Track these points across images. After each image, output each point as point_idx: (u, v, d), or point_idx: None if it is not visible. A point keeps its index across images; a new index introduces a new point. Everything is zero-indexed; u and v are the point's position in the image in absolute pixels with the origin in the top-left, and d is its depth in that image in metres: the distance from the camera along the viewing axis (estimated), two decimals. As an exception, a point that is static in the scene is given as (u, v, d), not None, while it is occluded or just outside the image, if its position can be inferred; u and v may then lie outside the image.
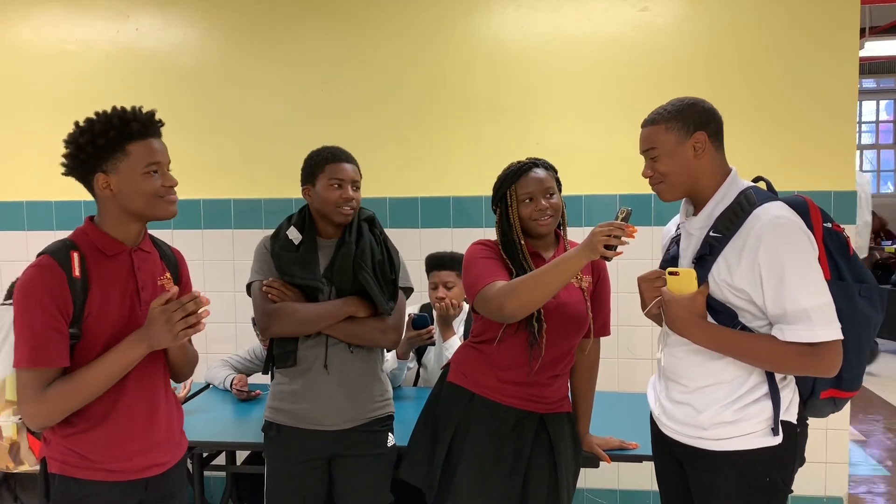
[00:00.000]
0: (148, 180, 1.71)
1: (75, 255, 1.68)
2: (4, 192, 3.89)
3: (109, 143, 1.68)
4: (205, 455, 2.93)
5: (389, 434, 2.37)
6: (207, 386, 3.40)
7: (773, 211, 1.74)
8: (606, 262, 2.10)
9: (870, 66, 10.57)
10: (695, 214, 1.89)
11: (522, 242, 2.18)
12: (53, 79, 3.85)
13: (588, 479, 3.50)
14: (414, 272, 3.38)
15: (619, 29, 3.53)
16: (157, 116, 1.78)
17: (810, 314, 1.67)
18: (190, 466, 2.94)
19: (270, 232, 2.40)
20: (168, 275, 1.89)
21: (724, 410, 1.80)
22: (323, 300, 2.26)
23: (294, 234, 2.29)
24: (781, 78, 3.43)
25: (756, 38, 3.44)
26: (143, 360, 1.74)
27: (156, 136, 1.77)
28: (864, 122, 12.17)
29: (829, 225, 1.78)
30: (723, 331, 1.79)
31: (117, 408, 1.74)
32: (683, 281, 1.80)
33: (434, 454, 2.23)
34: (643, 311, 1.99)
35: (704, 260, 1.81)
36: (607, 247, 1.84)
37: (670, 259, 1.98)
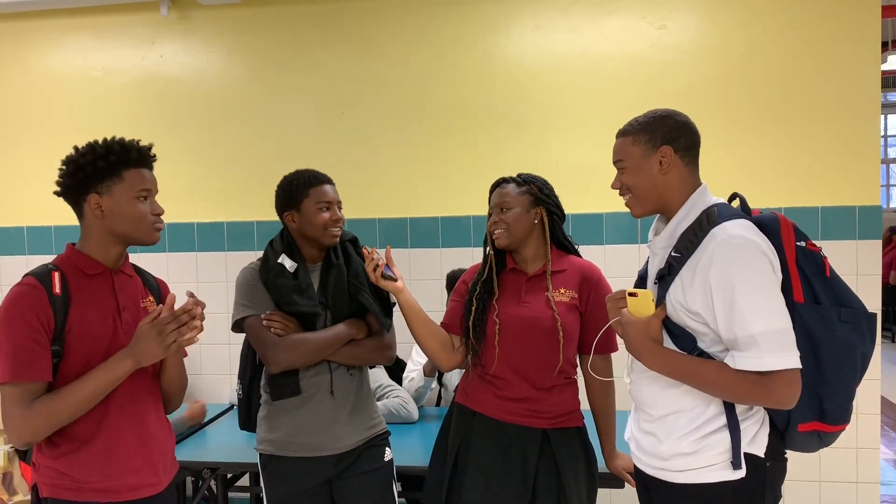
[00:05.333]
0: (138, 205, 1.79)
1: (56, 275, 1.73)
2: (34, 218, 3.97)
3: (109, 166, 1.76)
4: (229, 476, 2.94)
5: (386, 448, 2.36)
6: (231, 407, 3.42)
7: (730, 230, 1.64)
8: (603, 275, 2.28)
9: (894, 80, 10.48)
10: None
11: (488, 251, 2.30)
12: (78, 105, 3.94)
13: (614, 500, 3.47)
14: (435, 291, 3.40)
15: (638, 47, 3.53)
16: (153, 152, 1.86)
17: (759, 340, 1.56)
18: (214, 487, 2.96)
19: None
20: (151, 298, 1.93)
21: (682, 440, 1.72)
22: (320, 326, 2.23)
23: (288, 262, 2.24)
24: (802, 93, 3.41)
25: (775, 53, 3.43)
26: (127, 383, 1.74)
27: (149, 167, 1.85)
28: (891, 136, 12.05)
29: (803, 244, 1.67)
30: (676, 356, 1.70)
31: (102, 427, 1.75)
32: (641, 303, 1.73)
33: (443, 474, 2.25)
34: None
35: (665, 280, 1.74)
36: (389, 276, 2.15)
37: (639, 279, 1.92)
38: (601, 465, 2.34)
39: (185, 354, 2.01)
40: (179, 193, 3.89)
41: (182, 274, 3.83)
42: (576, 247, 2.34)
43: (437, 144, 3.70)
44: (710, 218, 1.69)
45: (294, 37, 3.79)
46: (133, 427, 1.80)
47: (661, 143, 1.76)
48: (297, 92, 3.81)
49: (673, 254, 1.73)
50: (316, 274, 2.29)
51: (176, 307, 1.72)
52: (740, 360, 1.59)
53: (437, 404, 3.37)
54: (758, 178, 3.38)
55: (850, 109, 3.37)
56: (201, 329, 1.74)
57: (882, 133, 11.54)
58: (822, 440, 1.74)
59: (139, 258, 3.82)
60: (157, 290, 1.99)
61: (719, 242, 1.63)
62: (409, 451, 2.73)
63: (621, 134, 1.84)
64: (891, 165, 11.95)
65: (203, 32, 3.87)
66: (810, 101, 3.40)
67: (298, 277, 2.23)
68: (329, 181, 2.30)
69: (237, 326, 2.26)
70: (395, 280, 2.16)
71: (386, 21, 3.72)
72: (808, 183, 3.41)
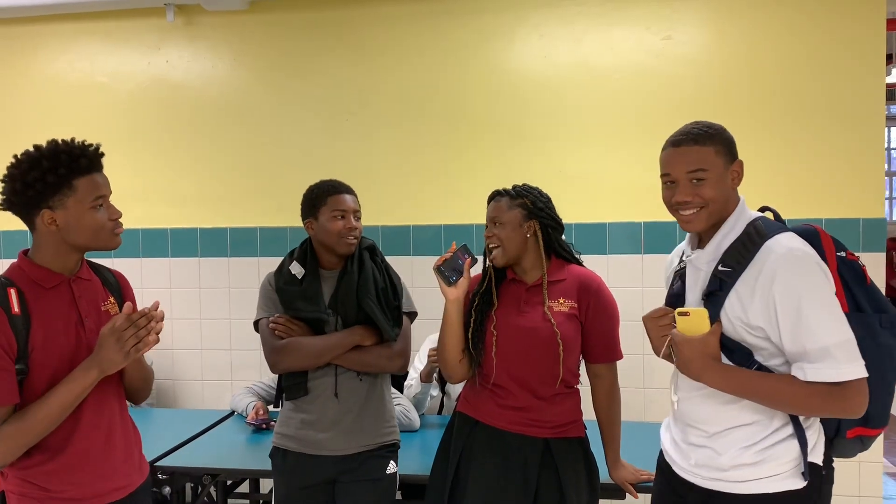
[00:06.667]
0: (94, 214, 1.72)
1: (13, 292, 1.66)
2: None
3: (58, 179, 1.68)
4: (229, 483, 2.93)
5: (391, 461, 2.37)
6: (232, 413, 3.41)
7: (787, 243, 1.65)
8: (603, 283, 2.25)
9: (898, 92, 10.47)
10: (700, 247, 1.80)
11: (488, 264, 2.29)
12: (85, 109, 3.96)
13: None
14: (438, 299, 3.39)
15: (642, 58, 3.54)
16: (101, 150, 1.78)
17: (832, 352, 1.57)
18: (214, 494, 2.95)
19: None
20: (112, 299, 1.88)
21: (744, 452, 1.71)
22: (329, 331, 2.30)
23: (297, 269, 2.34)
24: (807, 105, 3.41)
25: (780, 65, 3.43)
26: (96, 390, 1.72)
27: (100, 170, 1.77)
28: (894, 149, 12.03)
29: (843, 254, 1.70)
30: (740, 372, 1.69)
31: (74, 437, 1.73)
32: (695, 321, 1.69)
33: (444, 483, 2.25)
34: (656, 353, 1.86)
35: (715, 296, 1.71)
36: (447, 276, 2.15)
37: (675, 296, 1.88)
38: (603, 476, 2.33)
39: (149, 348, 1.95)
40: (183, 199, 3.90)
41: (185, 279, 3.82)
42: (577, 256, 2.33)
43: (441, 152, 3.70)
44: (759, 231, 1.70)
45: (299, 44, 3.80)
46: (104, 434, 1.80)
47: (734, 157, 1.76)
48: (301, 99, 3.81)
49: (721, 268, 1.71)
50: (332, 280, 2.35)
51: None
52: (813, 372, 1.59)
53: (440, 412, 3.36)
54: (762, 189, 3.35)
55: (855, 121, 3.37)
56: (157, 337, 1.70)
57: (886, 145, 11.53)
58: (863, 444, 1.78)
59: (142, 263, 3.85)
60: (117, 285, 1.94)
61: (779, 256, 1.63)
62: (411, 460, 2.72)
63: (696, 142, 1.73)
64: (895, 178, 11.94)
65: (209, 38, 3.88)
66: (815, 112, 3.40)
67: (304, 284, 2.32)
68: (348, 191, 2.36)
69: (255, 327, 2.39)
70: (450, 283, 2.16)
71: (390, 29, 3.73)
72: (812, 195, 3.41)
